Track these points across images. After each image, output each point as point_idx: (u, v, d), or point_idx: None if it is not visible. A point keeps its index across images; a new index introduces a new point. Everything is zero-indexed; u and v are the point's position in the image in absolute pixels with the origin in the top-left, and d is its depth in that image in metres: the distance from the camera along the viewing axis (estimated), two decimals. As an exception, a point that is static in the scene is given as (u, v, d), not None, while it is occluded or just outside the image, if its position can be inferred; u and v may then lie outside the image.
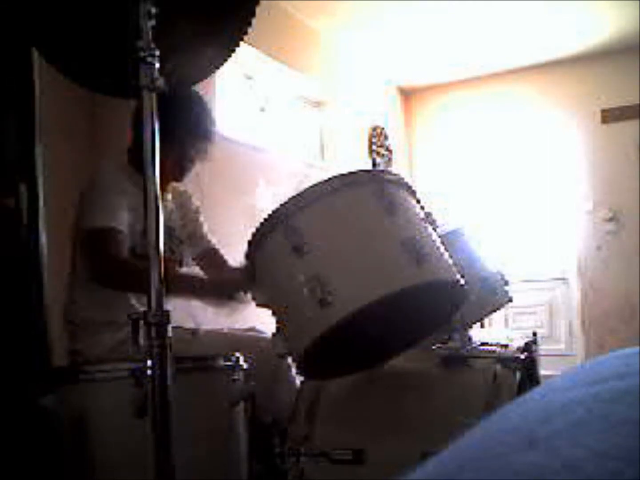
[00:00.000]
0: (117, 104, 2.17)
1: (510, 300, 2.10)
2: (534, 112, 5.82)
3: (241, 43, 1.40)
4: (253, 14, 1.36)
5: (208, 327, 2.26)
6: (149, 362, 1.14)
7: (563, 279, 5.80)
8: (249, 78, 4.40)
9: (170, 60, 1.23)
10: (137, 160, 2.13)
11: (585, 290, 5.66)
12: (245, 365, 1.56)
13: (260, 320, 2.04)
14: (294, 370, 2.00)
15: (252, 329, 2.22)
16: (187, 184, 2.41)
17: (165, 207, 2.19)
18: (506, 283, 2.08)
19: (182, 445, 1.16)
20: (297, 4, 4.50)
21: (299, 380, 1.96)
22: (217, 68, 1.45)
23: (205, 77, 1.45)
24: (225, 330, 2.26)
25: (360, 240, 1.41)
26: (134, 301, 2.09)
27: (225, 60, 1.42)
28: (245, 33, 1.38)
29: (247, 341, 2.10)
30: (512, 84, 5.90)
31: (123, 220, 2.01)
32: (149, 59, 1.20)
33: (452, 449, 0.39)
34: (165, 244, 2.09)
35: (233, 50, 1.40)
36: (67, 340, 2.13)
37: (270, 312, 1.50)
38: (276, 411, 1.97)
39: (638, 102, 5.34)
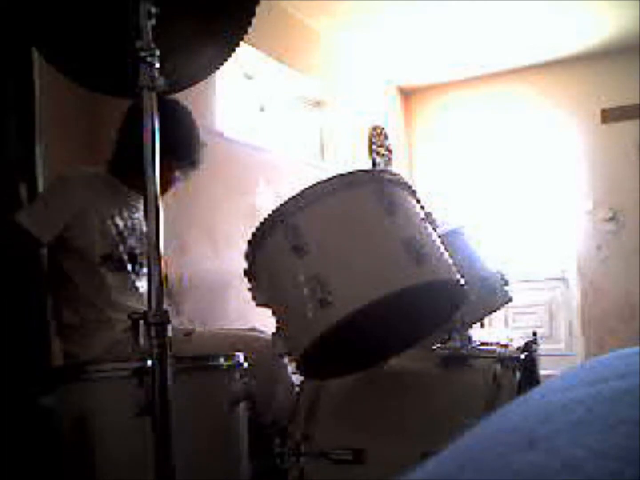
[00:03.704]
0: (117, 104, 2.18)
1: (510, 300, 2.10)
2: (534, 112, 5.82)
3: (241, 43, 1.40)
4: (253, 14, 1.35)
5: (203, 328, 2.26)
6: (149, 362, 1.14)
7: (563, 278, 5.80)
8: (249, 78, 4.40)
9: (169, 60, 1.23)
10: (121, 169, 2.14)
11: (585, 290, 5.66)
12: (245, 365, 1.56)
13: (260, 320, 2.05)
14: (291, 370, 2.00)
15: (252, 329, 2.22)
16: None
17: (139, 213, 2.19)
18: (506, 283, 2.08)
19: (182, 445, 1.16)
20: (297, 4, 4.50)
21: (297, 379, 1.96)
22: (217, 68, 1.45)
23: (205, 77, 1.45)
24: (222, 331, 2.25)
25: (360, 240, 1.41)
26: (118, 299, 2.08)
27: (225, 60, 1.42)
28: (245, 33, 1.38)
29: (244, 341, 2.09)
30: (512, 84, 5.90)
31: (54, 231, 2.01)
32: (149, 59, 1.20)
33: (452, 449, 0.39)
34: (135, 247, 2.10)
35: (233, 50, 1.40)
36: (61, 343, 2.12)
37: (270, 312, 1.50)
38: (275, 411, 1.98)
39: (638, 102, 5.34)
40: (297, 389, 1.89)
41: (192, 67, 1.43)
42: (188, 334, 2.14)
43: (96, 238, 2.05)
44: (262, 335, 2.12)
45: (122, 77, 1.26)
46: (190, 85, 1.44)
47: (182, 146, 2.10)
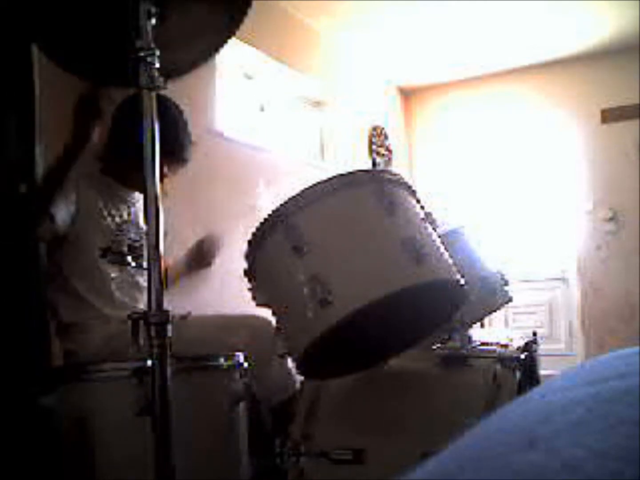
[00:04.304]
0: (111, 103, 2.17)
1: (510, 300, 2.10)
2: (534, 112, 5.82)
3: (240, 40, 1.40)
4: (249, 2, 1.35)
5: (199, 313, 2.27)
6: (149, 362, 1.14)
7: (563, 279, 5.80)
8: (249, 78, 4.40)
9: (164, 48, 1.22)
10: (115, 169, 2.15)
11: (585, 290, 5.66)
12: (245, 365, 1.56)
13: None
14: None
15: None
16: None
17: (135, 207, 2.20)
18: (506, 283, 2.08)
19: (182, 445, 1.16)
20: (297, 4, 4.50)
21: (297, 379, 1.97)
22: (212, 56, 1.44)
23: (203, 63, 1.44)
24: (217, 314, 2.27)
25: (360, 240, 1.41)
26: (117, 294, 2.09)
27: (220, 48, 1.41)
28: (241, 20, 1.37)
29: (240, 321, 2.11)
30: (512, 84, 5.90)
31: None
32: (149, 59, 1.19)
33: (452, 449, 0.39)
34: (138, 241, 2.12)
35: (228, 38, 1.39)
36: (60, 341, 2.13)
37: (270, 312, 1.50)
38: (270, 386, 1.99)
39: (638, 102, 5.33)
40: (291, 367, 1.92)
41: (187, 55, 1.43)
42: (184, 317, 2.15)
43: (95, 233, 2.06)
44: (260, 316, 2.13)
45: (123, 68, 1.26)
46: (188, 71, 1.43)
47: (170, 141, 2.10)
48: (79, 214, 2.04)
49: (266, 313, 1.55)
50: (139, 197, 2.21)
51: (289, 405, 1.87)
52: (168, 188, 2.27)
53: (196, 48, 1.41)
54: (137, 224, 2.17)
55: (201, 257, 2.36)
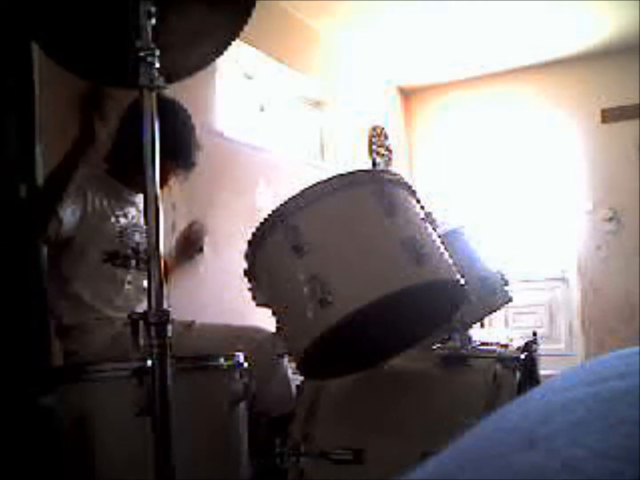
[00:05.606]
0: (116, 104, 2.17)
1: (510, 300, 2.10)
2: (534, 112, 5.82)
3: (240, 40, 1.39)
4: (252, 4, 1.35)
5: (205, 321, 2.27)
6: (149, 362, 1.14)
7: (563, 279, 5.80)
8: (249, 78, 4.40)
9: (166, 51, 1.22)
10: (120, 169, 2.15)
11: (585, 290, 5.66)
12: (245, 365, 1.56)
13: (260, 319, 2.04)
14: (291, 369, 2.02)
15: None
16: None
17: (141, 209, 2.20)
18: (506, 283, 2.08)
19: (182, 445, 1.16)
20: (297, 4, 4.50)
21: (291, 371, 1.97)
22: (214, 59, 1.44)
23: (202, 68, 1.44)
24: (222, 324, 2.27)
25: (360, 240, 1.41)
26: (120, 297, 2.09)
27: (223, 51, 1.41)
28: (244, 24, 1.37)
29: (244, 334, 2.10)
30: (512, 84, 5.90)
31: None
32: (149, 59, 1.19)
33: (452, 449, 0.39)
34: (140, 242, 2.12)
35: (230, 42, 1.39)
36: (60, 342, 2.12)
37: (270, 312, 1.50)
38: (270, 402, 1.99)
39: (638, 102, 5.34)
40: (292, 381, 1.91)
41: (191, 57, 1.43)
42: (188, 325, 2.15)
43: (100, 235, 2.06)
44: (263, 329, 2.13)
45: (123, 68, 1.26)
46: (189, 75, 1.43)
47: (178, 146, 2.10)
48: (85, 215, 2.03)
49: (267, 316, 1.54)
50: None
51: (288, 418, 1.86)
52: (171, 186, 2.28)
53: (197, 52, 1.41)
54: (142, 225, 2.17)
55: (190, 244, 2.35)
